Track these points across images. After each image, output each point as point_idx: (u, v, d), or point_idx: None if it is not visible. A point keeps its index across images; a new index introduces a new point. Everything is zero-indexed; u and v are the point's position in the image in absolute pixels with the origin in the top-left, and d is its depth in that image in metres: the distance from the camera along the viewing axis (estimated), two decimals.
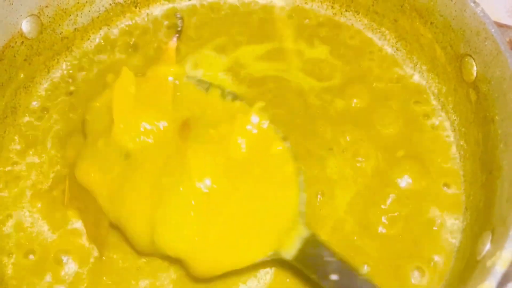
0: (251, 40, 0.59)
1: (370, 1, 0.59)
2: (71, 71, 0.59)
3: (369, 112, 0.55)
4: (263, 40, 0.59)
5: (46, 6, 0.56)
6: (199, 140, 0.47)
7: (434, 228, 0.50)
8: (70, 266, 0.49)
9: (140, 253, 0.49)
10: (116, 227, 0.48)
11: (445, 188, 0.51)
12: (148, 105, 0.49)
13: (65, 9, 0.57)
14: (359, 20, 0.60)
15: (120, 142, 0.48)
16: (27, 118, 0.56)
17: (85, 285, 0.48)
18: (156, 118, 0.48)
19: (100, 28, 0.60)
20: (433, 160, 0.53)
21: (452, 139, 0.54)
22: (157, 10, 0.62)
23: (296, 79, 0.57)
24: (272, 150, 0.48)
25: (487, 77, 0.48)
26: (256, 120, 0.47)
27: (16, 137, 0.55)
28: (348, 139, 0.53)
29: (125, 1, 0.61)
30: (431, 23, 0.54)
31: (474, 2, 0.49)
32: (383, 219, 0.50)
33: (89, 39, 0.60)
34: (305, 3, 0.62)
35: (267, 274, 0.49)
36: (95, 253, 0.49)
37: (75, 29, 0.59)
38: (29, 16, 0.54)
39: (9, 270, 0.49)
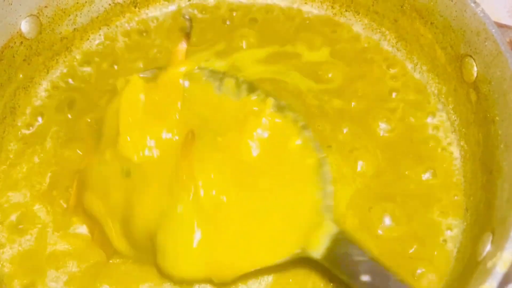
0: (250, 43, 0.59)
1: (370, 1, 0.59)
2: (70, 72, 0.58)
3: (369, 112, 0.55)
4: (263, 42, 0.59)
5: (46, 6, 0.56)
6: (205, 150, 0.46)
7: (434, 228, 0.49)
8: (70, 267, 0.49)
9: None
10: None
11: (445, 189, 0.51)
12: (156, 115, 0.48)
13: (65, 9, 0.57)
14: (359, 20, 0.60)
15: (125, 154, 0.47)
16: (26, 119, 0.56)
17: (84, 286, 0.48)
18: (164, 129, 0.47)
19: (100, 28, 0.60)
20: (433, 161, 0.52)
21: (452, 139, 0.53)
22: (157, 10, 0.62)
23: (294, 81, 0.57)
24: (290, 146, 0.47)
25: (487, 77, 0.48)
26: (267, 122, 0.46)
27: (15, 138, 0.55)
28: (347, 137, 0.53)
29: (124, 1, 0.61)
30: (431, 23, 0.54)
31: (475, 3, 0.49)
32: (383, 219, 0.49)
33: (88, 39, 0.60)
34: (305, 3, 0.61)
35: (268, 276, 0.48)
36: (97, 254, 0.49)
37: (74, 29, 0.59)
38: (28, 16, 0.54)
39: (6, 269, 0.49)
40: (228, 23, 0.61)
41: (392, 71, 0.58)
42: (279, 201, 0.46)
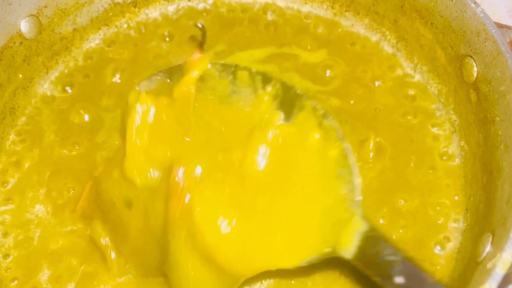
0: (249, 43, 0.59)
1: (370, 2, 0.59)
2: (70, 72, 0.58)
3: (368, 112, 0.55)
4: (262, 43, 0.59)
5: (45, 6, 0.55)
6: (207, 169, 0.44)
7: (434, 229, 0.49)
8: (70, 267, 0.49)
9: None
10: None
11: (445, 189, 0.51)
12: (165, 135, 0.47)
13: (64, 9, 0.57)
14: (360, 21, 0.60)
15: (129, 177, 0.46)
16: (26, 119, 0.56)
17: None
18: (170, 152, 0.46)
19: (99, 28, 0.60)
20: (433, 161, 0.52)
21: (452, 140, 0.53)
22: (156, 10, 0.62)
23: (292, 82, 0.56)
24: (309, 141, 0.45)
25: (487, 78, 0.48)
26: (277, 132, 0.45)
27: (14, 138, 0.55)
28: (346, 137, 0.53)
29: (124, 1, 0.60)
30: (431, 23, 0.54)
31: (475, 3, 0.49)
32: (381, 220, 0.49)
33: (88, 39, 0.60)
34: (305, 3, 0.61)
35: (270, 278, 0.48)
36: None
37: (74, 29, 0.59)
38: (28, 16, 0.54)
39: (5, 269, 0.49)
40: (230, 23, 0.61)
41: (392, 71, 0.58)
42: (303, 200, 0.44)
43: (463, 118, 0.52)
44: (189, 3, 0.62)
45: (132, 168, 0.46)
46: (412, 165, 0.52)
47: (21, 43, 0.54)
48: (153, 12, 0.62)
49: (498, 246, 0.40)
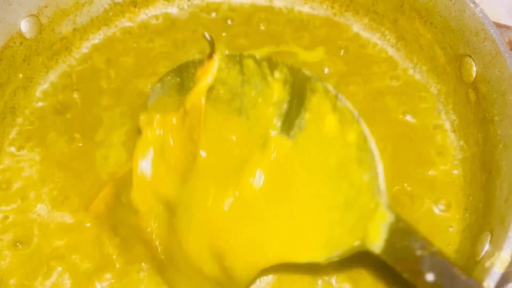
0: (248, 43, 0.59)
1: (369, 2, 0.59)
2: (70, 72, 0.58)
3: (367, 112, 0.54)
4: (262, 42, 0.59)
5: (45, 6, 0.56)
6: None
7: (433, 228, 0.49)
8: (73, 265, 0.49)
9: None
10: None
11: (444, 189, 0.51)
12: (172, 165, 0.46)
13: (64, 9, 0.57)
14: (359, 20, 0.60)
15: (135, 206, 0.47)
16: (26, 119, 0.56)
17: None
18: (175, 182, 0.46)
19: (99, 28, 0.60)
20: (433, 160, 0.52)
21: (452, 139, 0.53)
22: (156, 10, 0.62)
23: None
24: (326, 128, 0.43)
25: (486, 77, 0.48)
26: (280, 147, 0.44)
27: (15, 137, 0.55)
28: None
29: (124, 1, 0.61)
30: (430, 23, 0.54)
31: (473, 3, 0.49)
32: None
33: (88, 39, 0.60)
34: (305, 3, 0.61)
35: (268, 277, 0.48)
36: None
37: (74, 29, 0.59)
38: (28, 16, 0.54)
39: (6, 266, 0.49)
40: (229, 22, 0.61)
41: (391, 71, 0.58)
42: (326, 192, 0.42)
43: (462, 117, 0.53)
44: (189, 3, 0.62)
45: (138, 200, 0.46)
46: (411, 164, 0.52)
47: (21, 43, 0.55)
48: (153, 12, 0.62)
49: (496, 245, 0.40)
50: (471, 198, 0.50)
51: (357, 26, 0.60)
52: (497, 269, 0.38)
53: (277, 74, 0.46)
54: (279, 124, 0.45)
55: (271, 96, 0.46)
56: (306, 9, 0.62)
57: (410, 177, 0.52)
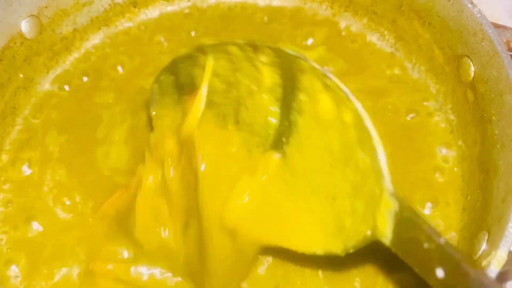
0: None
1: (368, 2, 0.59)
2: (70, 72, 0.59)
3: (366, 112, 0.54)
4: (260, 41, 0.59)
5: (46, 7, 0.56)
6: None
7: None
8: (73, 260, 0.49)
9: None
10: None
11: (443, 188, 0.51)
12: (173, 199, 0.46)
13: (64, 9, 0.57)
14: (358, 21, 0.60)
15: (139, 241, 0.47)
16: (26, 119, 0.56)
17: None
18: (179, 223, 0.45)
19: (100, 29, 0.61)
20: (431, 160, 0.53)
21: (450, 139, 0.54)
22: (156, 10, 0.62)
23: None
24: (322, 109, 0.41)
25: (484, 77, 0.48)
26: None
27: (15, 137, 0.55)
28: None
29: (124, 2, 0.61)
30: (429, 23, 0.54)
31: (471, 3, 0.49)
32: None
33: (88, 39, 0.60)
34: (304, 3, 0.62)
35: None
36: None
37: (74, 29, 0.59)
38: (28, 16, 0.55)
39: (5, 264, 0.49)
40: (228, 21, 0.61)
41: (390, 71, 0.58)
42: (332, 180, 0.40)
43: (461, 117, 0.53)
44: (189, 3, 0.62)
45: (143, 235, 0.47)
46: (410, 163, 0.52)
47: (21, 43, 0.55)
48: (152, 12, 0.62)
49: (493, 244, 0.40)
50: (469, 198, 0.50)
51: (356, 26, 0.60)
52: (494, 268, 0.38)
53: (263, 58, 0.45)
54: (278, 110, 0.44)
55: (263, 81, 0.45)
56: (305, 9, 0.62)
57: (409, 176, 0.52)
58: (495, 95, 0.47)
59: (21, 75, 0.56)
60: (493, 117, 0.47)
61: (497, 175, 0.45)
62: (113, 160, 0.53)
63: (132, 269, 0.46)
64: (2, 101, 0.54)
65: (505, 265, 0.39)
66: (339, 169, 0.41)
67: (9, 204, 0.51)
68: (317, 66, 0.43)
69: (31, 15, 0.55)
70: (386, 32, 0.59)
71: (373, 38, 0.60)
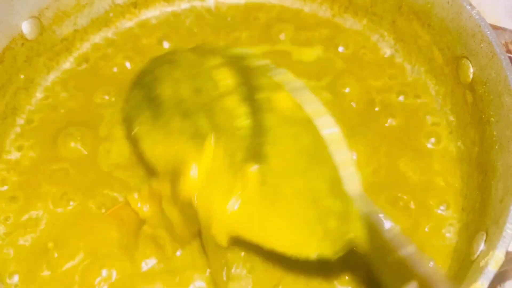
0: (246, 42, 0.59)
1: (368, 3, 0.59)
2: (71, 72, 0.59)
3: (365, 112, 0.55)
4: (259, 41, 0.59)
5: (46, 8, 0.56)
6: None
7: (430, 228, 0.50)
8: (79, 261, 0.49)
9: None
10: None
11: (442, 189, 0.51)
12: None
13: (65, 10, 0.57)
14: (358, 22, 0.60)
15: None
16: (27, 119, 0.56)
17: None
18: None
19: (100, 29, 0.61)
20: (430, 161, 0.53)
21: (449, 140, 0.54)
22: (156, 11, 0.62)
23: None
24: (281, 105, 0.41)
25: (483, 79, 0.48)
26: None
27: (16, 138, 0.55)
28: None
29: (124, 2, 0.61)
30: (428, 25, 0.54)
31: (470, 5, 0.49)
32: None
33: (88, 40, 0.60)
34: (304, 4, 0.62)
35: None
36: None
37: (74, 30, 0.59)
38: (29, 17, 0.55)
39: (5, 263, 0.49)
40: (228, 21, 0.61)
41: (390, 71, 0.58)
42: (305, 181, 0.40)
43: (460, 118, 0.53)
44: (189, 4, 0.62)
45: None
46: (408, 164, 0.52)
47: (22, 44, 0.55)
48: (153, 13, 0.62)
49: (491, 244, 0.40)
50: (467, 198, 0.50)
51: (356, 27, 0.61)
52: (491, 268, 0.39)
53: (216, 61, 0.45)
54: (247, 109, 0.43)
55: (223, 83, 0.44)
56: (305, 9, 0.62)
57: (407, 177, 0.52)
58: (494, 97, 0.47)
59: (21, 76, 0.56)
60: (492, 118, 0.47)
61: (495, 176, 0.45)
62: (114, 156, 0.53)
63: None
64: (3, 102, 0.54)
65: (503, 265, 0.39)
66: (314, 170, 0.40)
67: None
68: (263, 62, 0.43)
69: (32, 16, 0.55)
70: (385, 33, 0.59)
71: (372, 39, 0.60)
